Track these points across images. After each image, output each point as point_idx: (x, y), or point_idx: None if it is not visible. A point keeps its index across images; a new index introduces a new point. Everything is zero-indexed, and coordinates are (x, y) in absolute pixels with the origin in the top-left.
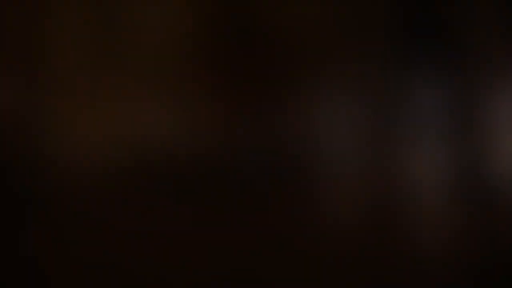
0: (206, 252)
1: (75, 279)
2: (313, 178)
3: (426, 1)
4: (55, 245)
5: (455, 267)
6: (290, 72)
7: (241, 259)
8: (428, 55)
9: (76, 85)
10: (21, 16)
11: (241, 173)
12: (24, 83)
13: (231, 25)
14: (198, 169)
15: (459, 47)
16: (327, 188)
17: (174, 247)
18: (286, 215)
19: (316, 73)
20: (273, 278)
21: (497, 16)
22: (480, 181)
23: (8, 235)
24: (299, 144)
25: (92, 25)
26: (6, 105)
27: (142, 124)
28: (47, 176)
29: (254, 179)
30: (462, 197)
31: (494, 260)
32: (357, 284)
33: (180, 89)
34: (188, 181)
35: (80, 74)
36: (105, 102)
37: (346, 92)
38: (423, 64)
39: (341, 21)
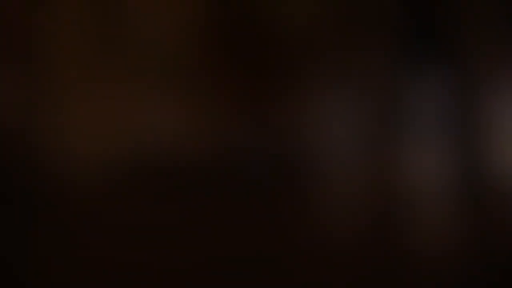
0: (208, 252)
1: (76, 279)
2: (315, 178)
3: (426, 1)
4: (55, 245)
5: (455, 267)
6: (293, 74)
7: (244, 258)
8: (429, 55)
9: (76, 85)
10: (20, 14)
11: (244, 173)
12: (24, 83)
13: (233, 25)
14: (201, 169)
15: (460, 48)
16: (328, 187)
17: (175, 246)
18: (289, 214)
19: (319, 74)
20: (274, 276)
21: (497, 16)
22: (480, 181)
23: (8, 235)
24: (301, 144)
25: (94, 23)
26: (6, 105)
27: (144, 124)
28: (47, 176)
29: (256, 179)
30: (462, 197)
31: (494, 260)
32: (357, 284)
33: (182, 89)
34: (190, 180)
35: (80, 74)
36: (106, 102)
37: (347, 92)
38: (423, 64)
39: (343, 22)
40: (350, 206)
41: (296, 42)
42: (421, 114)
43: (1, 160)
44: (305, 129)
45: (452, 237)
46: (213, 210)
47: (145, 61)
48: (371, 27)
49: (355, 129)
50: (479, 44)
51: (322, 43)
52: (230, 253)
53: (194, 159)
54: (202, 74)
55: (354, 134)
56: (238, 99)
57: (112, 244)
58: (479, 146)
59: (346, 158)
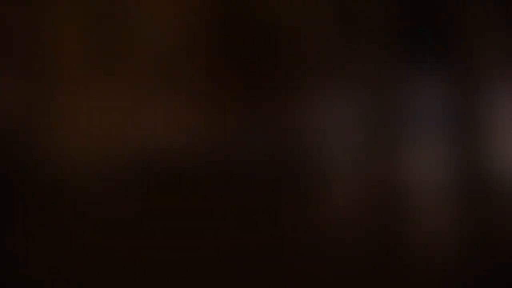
0: (209, 252)
1: (76, 279)
2: (315, 178)
3: (426, 1)
4: (55, 245)
5: (455, 267)
6: (293, 74)
7: (244, 257)
8: (429, 55)
9: (76, 85)
10: (20, 14)
11: (244, 173)
12: (24, 83)
13: (233, 26)
14: (201, 169)
15: (460, 48)
16: (328, 187)
17: (175, 247)
18: (290, 214)
19: (319, 74)
20: (274, 276)
21: (497, 16)
22: (481, 181)
23: (8, 235)
24: (301, 144)
25: (94, 24)
26: (6, 105)
27: (144, 124)
28: (47, 176)
29: (257, 179)
30: (462, 197)
31: (494, 261)
32: (358, 284)
33: (182, 89)
34: (190, 180)
35: (81, 74)
36: (106, 103)
37: (348, 92)
38: (423, 64)
39: (343, 23)
40: (350, 206)
41: (296, 42)
42: (421, 114)
43: (1, 160)
44: (305, 129)
45: (452, 237)
46: (213, 210)
47: (145, 62)
48: (372, 27)
49: (355, 129)
50: (479, 44)
51: (322, 43)
52: (230, 253)
53: (194, 159)
54: (202, 74)
55: (354, 134)
56: (238, 99)
57: (112, 244)
58: (479, 146)
59: (346, 158)
